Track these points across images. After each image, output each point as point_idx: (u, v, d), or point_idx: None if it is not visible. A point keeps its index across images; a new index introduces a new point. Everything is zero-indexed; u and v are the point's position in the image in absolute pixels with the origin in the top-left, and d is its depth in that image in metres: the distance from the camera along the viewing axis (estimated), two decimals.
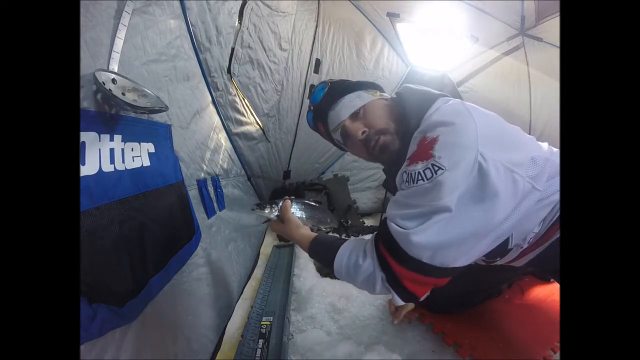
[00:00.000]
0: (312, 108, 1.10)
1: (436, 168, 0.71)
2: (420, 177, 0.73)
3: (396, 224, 0.76)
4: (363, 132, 0.93)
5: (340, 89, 1.01)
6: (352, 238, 0.95)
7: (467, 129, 0.73)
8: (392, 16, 2.37)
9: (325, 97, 1.02)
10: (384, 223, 0.82)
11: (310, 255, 1.02)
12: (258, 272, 1.72)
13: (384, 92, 1.05)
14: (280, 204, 1.12)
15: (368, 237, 0.90)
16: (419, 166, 0.74)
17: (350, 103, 0.97)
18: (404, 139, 0.89)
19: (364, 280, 0.84)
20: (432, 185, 0.71)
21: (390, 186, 1.04)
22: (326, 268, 0.95)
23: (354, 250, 0.87)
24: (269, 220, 1.14)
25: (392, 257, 0.78)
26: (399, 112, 0.93)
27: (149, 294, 0.89)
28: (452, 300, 1.33)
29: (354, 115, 0.96)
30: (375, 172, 2.86)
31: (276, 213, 1.11)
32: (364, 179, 2.84)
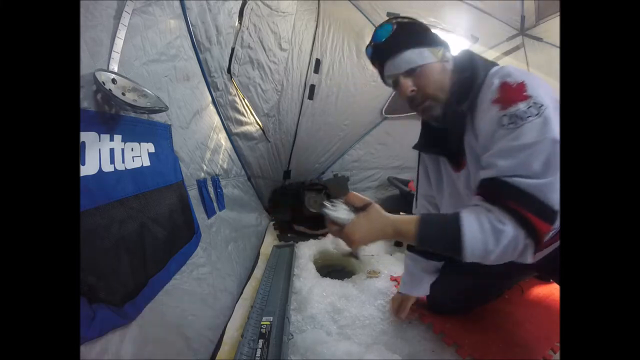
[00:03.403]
0: (372, 44, 1.01)
1: (538, 105, 0.71)
2: (529, 114, 0.72)
3: (522, 177, 0.69)
4: (412, 91, 0.93)
5: (404, 38, 0.94)
6: (464, 210, 0.77)
7: (542, 80, 0.76)
8: (392, 15, 2.36)
9: (388, 41, 0.95)
10: (499, 182, 0.72)
11: (418, 244, 0.78)
12: (258, 272, 1.72)
13: (448, 50, 0.99)
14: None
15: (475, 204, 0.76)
16: (522, 106, 0.73)
17: (410, 59, 0.93)
18: (460, 101, 0.88)
19: (506, 247, 0.71)
20: (543, 120, 0.70)
21: (428, 146, 1.03)
22: (445, 252, 0.78)
23: (482, 219, 0.73)
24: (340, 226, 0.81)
25: (531, 212, 0.69)
26: (459, 73, 0.93)
27: (149, 294, 0.89)
28: (456, 303, 1.34)
29: (410, 72, 0.93)
30: (376, 172, 2.87)
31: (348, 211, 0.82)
32: (364, 179, 2.85)
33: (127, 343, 0.79)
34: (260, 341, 1.17)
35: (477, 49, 2.53)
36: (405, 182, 2.67)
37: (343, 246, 0.83)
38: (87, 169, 0.77)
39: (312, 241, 2.14)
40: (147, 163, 0.97)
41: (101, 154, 0.81)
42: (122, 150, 0.89)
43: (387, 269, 1.83)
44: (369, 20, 2.42)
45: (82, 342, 0.68)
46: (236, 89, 1.77)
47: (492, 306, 1.41)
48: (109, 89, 0.79)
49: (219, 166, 1.64)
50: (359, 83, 2.52)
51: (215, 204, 1.48)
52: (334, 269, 1.97)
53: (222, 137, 1.72)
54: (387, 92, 2.64)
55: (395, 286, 1.62)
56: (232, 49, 1.65)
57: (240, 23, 1.65)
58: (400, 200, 2.77)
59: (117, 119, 0.89)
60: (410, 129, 2.78)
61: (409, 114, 2.73)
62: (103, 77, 0.81)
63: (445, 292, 1.38)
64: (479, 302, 1.39)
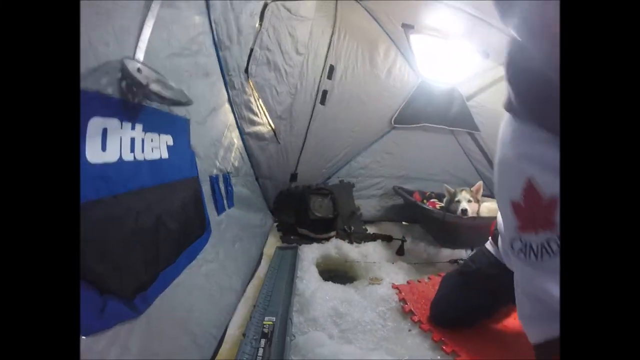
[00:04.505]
0: None
1: None
2: None
3: None
4: None
5: None
6: None
7: None
8: (407, 27, 2.38)
9: None
10: None
11: None
12: (261, 272, 1.72)
13: None
14: None
15: None
16: None
17: None
18: None
19: None
20: None
21: None
22: None
23: None
24: None
25: None
26: None
27: (160, 287, 0.89)
28: (458, 313, 1.33)
29: None
30: (381, 180, 2.86)
31: None
32: (369, 186, 2.85)
33: (136, 336, 0.78)
34: (263, 340, 1.17)
35: (488, 64, 2.56)
36: (410, 192, 2.68)
37: None
38: (108, 156, 0.77)
39: (315, 245, 2.14)
40: (165, 155, 0.98)
41: (122, 142, 0.82)
42: (142, 140, 0.89)
43: (389, 276, 1.83)
44: (384, 30, 2.43)
45: (92, 332, 0.67)
46: (252, 89, 1.78)
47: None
48: (138, 78, 0.80)
49: (230, 164, 1.64)
50: (370, 91, 2.53)
51: (225, 202, 1.49)
52: (335, 273, 1.96)
53: (235, 136, 1.73)
54: (397, 102, 2.66)
55: (397, 294, 1.62)
56: (251, 50, 1.67)
57: (260, 24, 1.66)
58: (404, 209, 2.78)
59: (139, 108, 0.89)
60: (418, 140, 2.82)
61: (418, 124, 2.75)
62: (130, 65, 0.82)
63: (449, 302, 1.38)
64: (483, 315, 1.38)
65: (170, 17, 1.03)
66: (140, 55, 0.88)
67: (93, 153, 0.73)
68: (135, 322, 0.79)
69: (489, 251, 1.31)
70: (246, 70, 1.67)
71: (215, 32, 1.34)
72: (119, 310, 0.74)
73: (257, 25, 1.64)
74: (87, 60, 0.72)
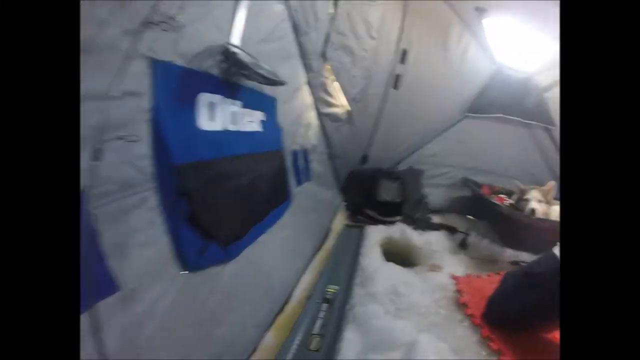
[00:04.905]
0: None
1: None
2: None
3: None
4: None
5: None
6: None
7: None
8: (480, 11, 2.25)
9: None
10: None
11: None
12: (328, 244, 1.82)
13: None
14: None
15: None
16: None
17: None
18: None
19: None
20: None
21: None
22: None
23: None
24: None
25: None
26: None
27: (248, 240, 1.03)
28: (512, 312, 1.30)
29: None
30: (450, 170, 2.78)
31: None
32: (438, 175, 2.78)
33: (223, 279, 0.92)
34: (325, 305, 1.26)
35: None
36: (479, 185, 2.59)
37: None
38: (215, 125, 0.91)
39: (380, 226, 2.19)
40: (259, 129, 1.12)
41: (226, 114, 0.96)
42: (241, 114, 1.03)
43: (449, 267, 1.82)
44: (457, 13, 2.33)
45: (191, 269, 0.79)
46: (329, 72, 1.87)
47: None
48: (241, 60, 0.92)
49: (309, 141, 1.77)
50: (443, 77, 2.47)
51: (303, 175, 1.62)
52: (397, 256, 2.00)
53: (313, 116, 1.85)
54: (471, 89, 2.57)
55: (455, 284, 1.62)
56: (327, 35, 1.74)
57: (335, 10, 1.73)
58: (471, 202, 2.69)
59: (237, 87, 1.03)
60: (491, 130, 2.68)
61: (493, 114, 2.61)
62: (231, 49, 0.93)
63: (509, 299, 1.35)
64: (538, 318, 1.29)
65: (257, 6, 1.11)
66: (236, 40, 0.99)
67: (203, 121, 0.87)
68: (225, 267, 0.94)
69: (556, 257, 1.25)
70: (323, 55, 1.76)
71: (294, 19, 1.44)
72: (217, 254, 0.89)
73: (332, 11, 1.71)
74: (194, 45, 0.84)
